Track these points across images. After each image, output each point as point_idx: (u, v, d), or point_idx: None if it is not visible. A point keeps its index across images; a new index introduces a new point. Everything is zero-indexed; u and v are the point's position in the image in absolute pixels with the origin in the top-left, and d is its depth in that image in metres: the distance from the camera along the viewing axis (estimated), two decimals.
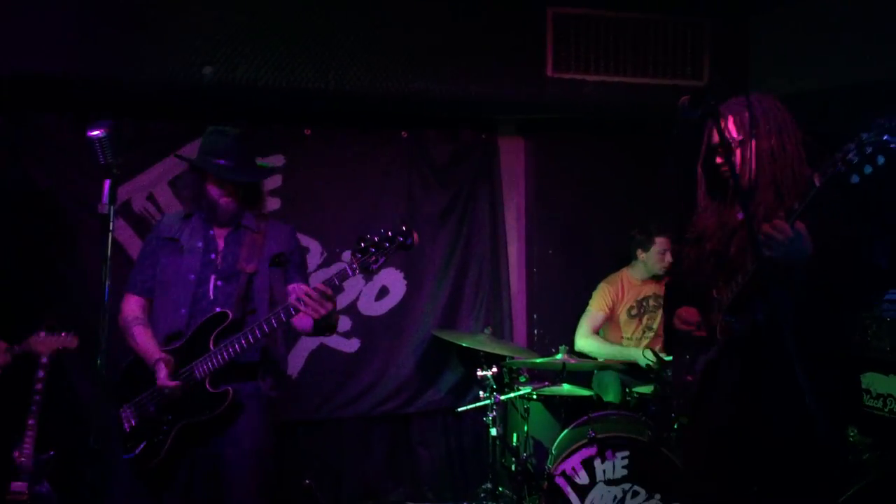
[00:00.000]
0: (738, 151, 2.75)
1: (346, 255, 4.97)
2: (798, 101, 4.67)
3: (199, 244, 3.24)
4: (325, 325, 3.11)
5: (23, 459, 3.75)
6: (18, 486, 3.73)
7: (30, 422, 3.78)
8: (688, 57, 4.75)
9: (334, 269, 4.96)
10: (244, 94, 4.39)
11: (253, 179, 3.31)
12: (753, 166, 2.70)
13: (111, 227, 2.24)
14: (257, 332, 3.02)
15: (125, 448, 3.14)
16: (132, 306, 3.32)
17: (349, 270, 2.93)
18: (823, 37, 4.50)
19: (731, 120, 2.77)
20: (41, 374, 3.83)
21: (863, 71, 4.37)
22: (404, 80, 4.43)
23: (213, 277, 3.19)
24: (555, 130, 5.31)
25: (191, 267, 3.19)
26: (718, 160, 2.79)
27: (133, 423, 3.15)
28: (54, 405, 4.04)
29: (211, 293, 3.18)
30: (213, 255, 3.23)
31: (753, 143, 2.70)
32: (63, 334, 3.86)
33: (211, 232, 3.27)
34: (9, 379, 4.03)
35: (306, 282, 3.34)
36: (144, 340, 3.20)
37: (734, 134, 2.76)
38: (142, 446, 3.10)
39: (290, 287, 3.26)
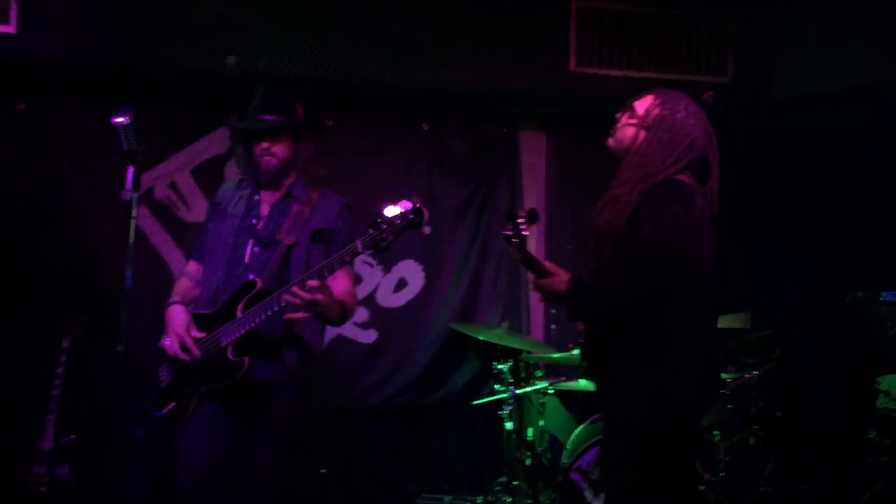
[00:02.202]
0: (625, 126, 2.73)
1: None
2: (823, 98, 4.67)
3: (242, 208, 3.18)
4: (327, 320, 3.07)
5: (43, 443, 3.79)
6: (39, 468, 3.78)
7: (50, 406, 3.82)
8: (712, 53, 4.71)
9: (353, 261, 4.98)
10: (266, 83, 4.39)
11: (289, 121, 3.13)
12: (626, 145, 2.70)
13: (134, 214, 2.26)
14: (280, 302, 2.90)
15: (156, 405, 3.13)
16: (189, 267, 3.32)
17: (359, 246, 2.84)
18: (850, 34, 4.46)
19: (648, 98, 2.71)
20: (63, 358, 3.87)
21: (888, 69, 4.32)
22: (426, 72, 4.43)
23: (250, 242, 3.13)
24: (576, 125, 5.28)
25: (230, 231, 3.14)
26: (617, 115, 2.78)
27: (167, 382, 3.14)
28: (75, 390, 4.08)
29: (247, 258, 3.11)
30: (254, 221, 3.16)
31: (644, 133, 2.66)
32: None
33: (256, 197, 3.20)
34: (30, 364, 4.08)
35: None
36: (177, 288, 3.21)
37: (638, 110, 2.71)
38: (170, 406, 3.09)
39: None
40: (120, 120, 2.31)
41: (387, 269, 5.04)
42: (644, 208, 2.52)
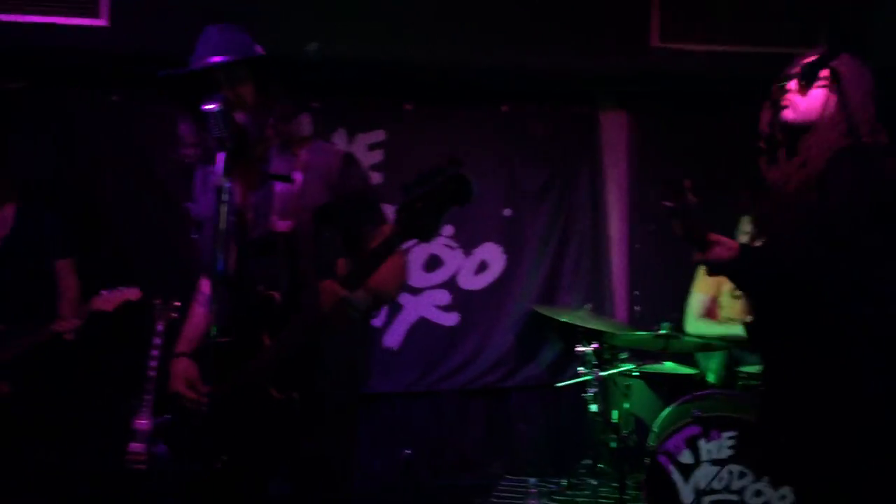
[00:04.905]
0: (810, 92, 2.55)
1: (448, 228, 5.01)
2: None
3: (212, 204, 2.30)
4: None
5: (141, 422, 3.93)
6: (136, 447, 3.92)
7: (147, 387, 3.96)
8: (802, 24, 4.53)
9: (434, 244, 5.00)
10: (346, 69, 4.44)
11: (236, 57, 2.44)
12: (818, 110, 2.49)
13: (225, 199, 2.29)
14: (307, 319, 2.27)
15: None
16: (203, 287, 2.71)
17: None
18: None
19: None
20: (157, 341, 3.99)
21: None
22: (506, 52, 4.40)
23: (234, 251, 2.45)
24: (659, 103, 5.17)
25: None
26: (788, 86, 2.58)
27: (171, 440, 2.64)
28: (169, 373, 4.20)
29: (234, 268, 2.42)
30: (232, 218, 2.36)
31: (834, 97, 2.49)
32: (121, 288, 3.91)
33: (227, 184, 2.27)
34: (128, 346, 4.24)
35: (384, 221, 2.49)
36: (185, 331, 2.63)
37: (820, 72, 2.56)
38: (190, 466, 2.54)
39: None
40: (210, 106, 2.34)
41: (468, 251, 5.06)
42: (830, 176, 2.36)
